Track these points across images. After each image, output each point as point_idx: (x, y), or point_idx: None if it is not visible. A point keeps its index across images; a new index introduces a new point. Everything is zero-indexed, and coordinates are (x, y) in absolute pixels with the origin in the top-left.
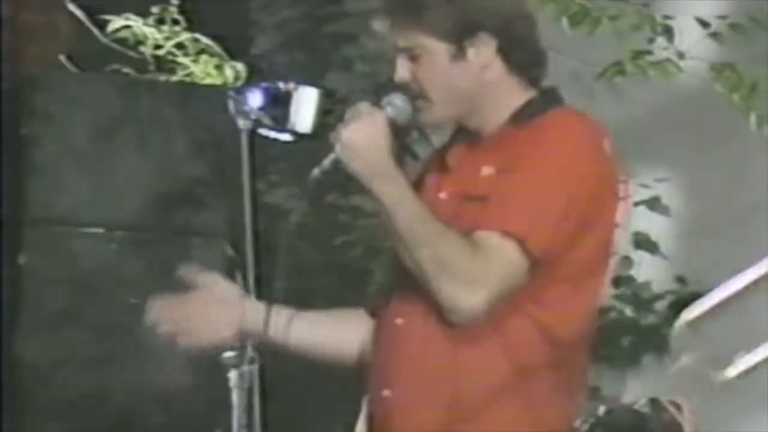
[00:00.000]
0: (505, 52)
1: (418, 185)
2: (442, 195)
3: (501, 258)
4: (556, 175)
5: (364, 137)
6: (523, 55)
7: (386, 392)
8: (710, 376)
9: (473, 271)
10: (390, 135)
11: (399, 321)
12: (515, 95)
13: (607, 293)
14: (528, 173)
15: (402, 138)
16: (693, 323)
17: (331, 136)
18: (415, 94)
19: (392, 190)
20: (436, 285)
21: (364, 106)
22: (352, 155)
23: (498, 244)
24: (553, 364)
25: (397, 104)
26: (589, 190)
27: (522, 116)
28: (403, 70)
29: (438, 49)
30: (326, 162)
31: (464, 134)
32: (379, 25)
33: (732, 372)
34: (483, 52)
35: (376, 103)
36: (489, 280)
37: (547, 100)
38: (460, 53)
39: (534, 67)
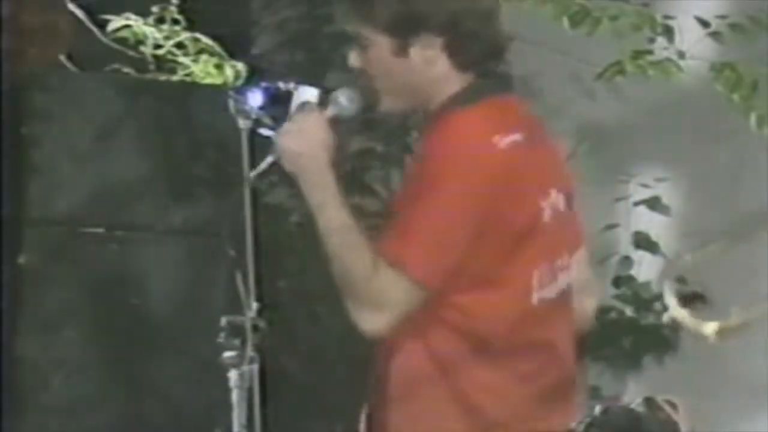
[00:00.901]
0: (451, 48)
1: None
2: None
3: (397, 288)
4: (445, 195)
5: (296, 142)
6: (472, 52)
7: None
8: (702, 329)
9: (372, 296)
10: (330, 134)
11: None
12: (453, 88)
13: (546, 274)
14: (421, 195)
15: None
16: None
17: (273, 136)
18: (367, 83)
19: (317, 194)
20: (345, 297)
21: (306, 106)
22: (285, 159)
23: (394, 274)
24: (484, 356)
25: (340, 102)
26: (482, 197)
27: (434, 116)
28: (354, 57)
29: (381, 41)
30: (263, 164)
31: (417, 119)
32: (337, 10)
33: (725, 324)
34: (426, 50)
35: (323, 99)
36: (386, 307)
37: (461, 97)
38: (401, 50)
39: (486, 60)
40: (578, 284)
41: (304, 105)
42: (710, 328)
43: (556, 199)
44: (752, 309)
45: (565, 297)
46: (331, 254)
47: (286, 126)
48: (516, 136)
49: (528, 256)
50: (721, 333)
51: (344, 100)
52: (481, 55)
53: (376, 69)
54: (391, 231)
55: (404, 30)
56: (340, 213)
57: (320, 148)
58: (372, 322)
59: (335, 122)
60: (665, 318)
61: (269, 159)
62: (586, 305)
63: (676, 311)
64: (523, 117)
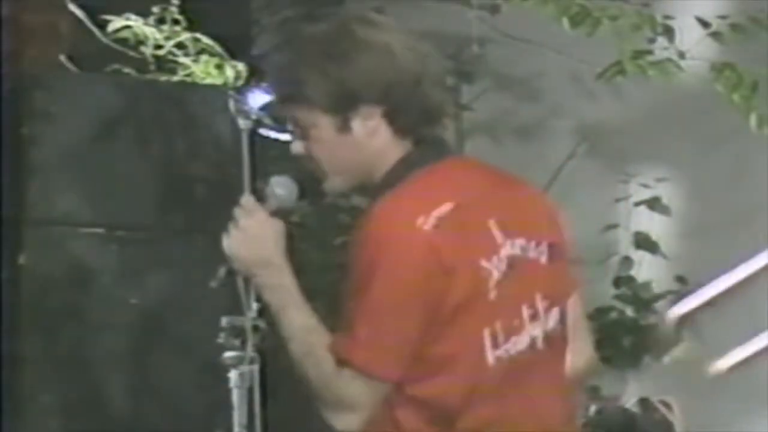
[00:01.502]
0: (389, 116)
1: None
2: None
3: (357, 387)
4: (381, 286)
5: (246, 249)
6: (408, 118)
7: None
8: (703, 369)
9: (337, 398)
10: (277, 225)
11: None
12: (392, 159)
13: (504, 329)
14: (359, 288)
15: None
16: (685, 317)
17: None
18: (309, 167)
19: (277, 300)
20: (315, 400)
21: (245, 204)
22: (239, 266)
23: (350, 374)
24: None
25: (277, 193)
26: (415, 282)
27: (381, 186)
28: (295, 144)
29: (323, 122)
30: (220, 272)
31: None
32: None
33: (725, 364)
34: (367, 121)
35: (261, 190)
36: (353, 407)
37: (391, 176)
38: (344, 125)
39: (422, 125)
40: (570, 334)
41: (241, 205)
42: (721, 366)
43: (514, 249)
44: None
45: (546, 344)
46: (294, 359)
47: (232, 233)
48: (445, 208)
49: (475, 320)
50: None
51: (281, 190)
52: (419, 119)
53: (321, 150)
54: (341, 328)
55: (344, 105)
56: (300, 314)
57: (272, 248)
58: (344, 422)
59: (277, 212)
60: (666, 359)
61: (222, 269)
62: (574, 362)
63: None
64: (461, 180)
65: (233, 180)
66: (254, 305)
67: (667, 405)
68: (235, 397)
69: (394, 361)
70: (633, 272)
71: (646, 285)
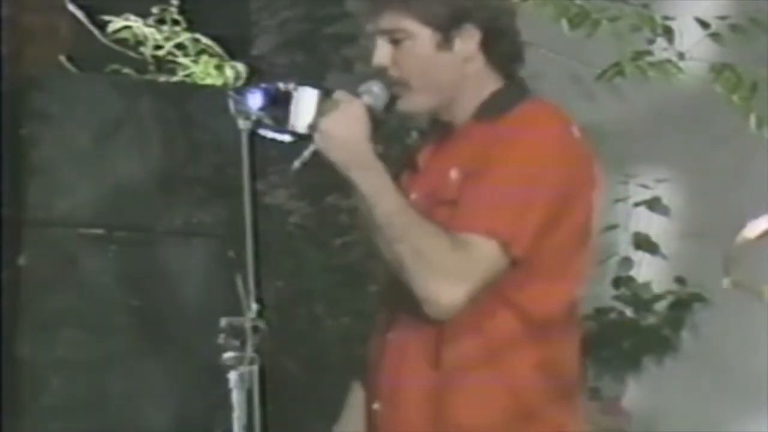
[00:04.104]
0: (487, 45)
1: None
2: (413, 196)
3: (482, 255)
4: (531, 171)
5: (343, 127)
6: (504, 49)
7: (375, 405)
8: (764, 292)
9: (453, 265)
10: (369, 123)
11: (390, 335)
12: (487, 86)
13: (589, 276)
14: (503, 172)
15: (381, 126)
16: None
17: (309, 126)
18: (393, 80)
19: (371, 180)
20: (416, 278)
21: (342, 95)
22: (331, 145)
23: (479, 242)
24: (532, 345)
25: (374, 91)
26: (563, 179)
27: (487, 111)
28: (383, 54)
29: (424, 34)
30: (306, 153)
31: (436, 130)
32: (357, 4)
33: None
34: (468, 44)
35: (353, 90)
36: (469, 275)
37: (511, 93)
38: (446, 42)
39: (513, 61)
40: None
41: (335, 94)
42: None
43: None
44: None
45: None
46: (397, 236)
47: (331, 113)
48: (576, 129)
49: (585, 248)
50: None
51: (377, 90)
52: (510, 54)
53: (413, 64)
54: (462, 208)
55: (451, 21)
56: (398, 196)
57: (366, 135)
58: (452, 293)
59: (370, 112)
60: (725, 284)
61: (311, 147)
62: None
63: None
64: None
65: (233, 180)
66: (254, 306)
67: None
68: (235, 397)
69: (527, 234)
70: (632, 273)
71: (646, 286)
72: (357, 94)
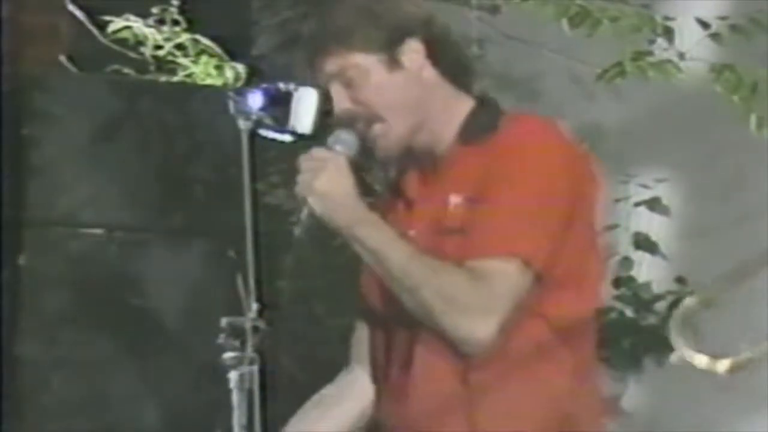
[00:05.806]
0: (433, 56)
1: None
2: (411, 232)
3: (505, 279)
4: (539, 185)
5: (337, 186)
6: (450, 60)
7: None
8: (715, 368)
9: (479, 298)
10: (352, 175)
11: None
12: (456, 105)
13: (606, 283)
14: (512, 191)
15: (360, 175)
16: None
17: (296, 190)
18: (364, 118)
19: (375, 234)
20: (445, 320)
21: (321, 152)
22: (329, 206)
23: (500, 266)
24: (567, 351)
25: (344, 139)
26: (571, 184)
27: (472, 133)
28: (341, 99)
29: (371, 62)
30: (303, 218)
31: (413, 160)
32: (295, 59)
33: (732, 363)
34: (415, 56)
35: (324, 144)
36: (497, 303)
37: (488, 111)
38: (394, 62)
39: (463, 73)
40: None
41: (314, 153)
42: (723, 366)
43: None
44: (761, 345)
45: None
46: (415, 284)
47: (320, 175)
48: (565, 130)
49: (596, 249)
50: (732, 370)
51: (346, 136)
52: (458, 65)
53: (374, 94)
54: (475, 234)
55: (391, 41)
56: (404, 243)
57: (354, 189)
58: (486, 326)
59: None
60: (673, 359)
61: (305, 211)
62: None
63: (687, 355)
64: None
65: (233, 180)
66: (254, 306)
67: None
68: (235, 397)
69: (543, 249)
70: (633, 273)
71: (646, 286)
72: (329, 147)
